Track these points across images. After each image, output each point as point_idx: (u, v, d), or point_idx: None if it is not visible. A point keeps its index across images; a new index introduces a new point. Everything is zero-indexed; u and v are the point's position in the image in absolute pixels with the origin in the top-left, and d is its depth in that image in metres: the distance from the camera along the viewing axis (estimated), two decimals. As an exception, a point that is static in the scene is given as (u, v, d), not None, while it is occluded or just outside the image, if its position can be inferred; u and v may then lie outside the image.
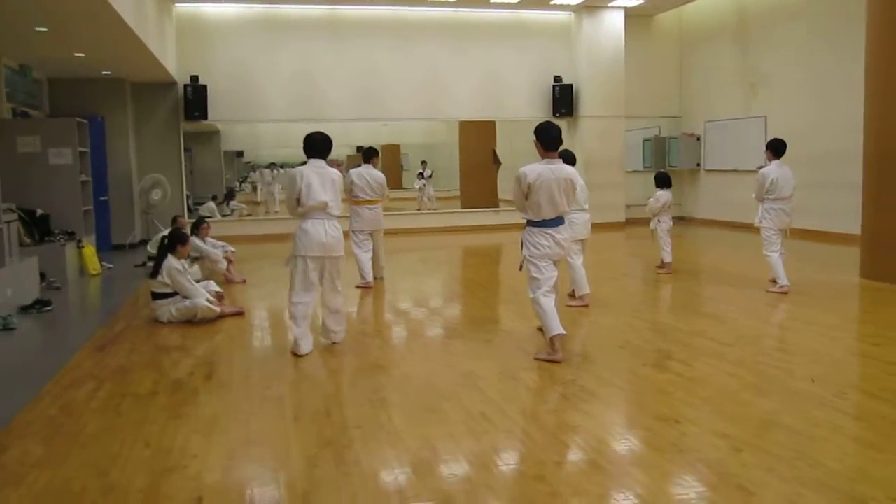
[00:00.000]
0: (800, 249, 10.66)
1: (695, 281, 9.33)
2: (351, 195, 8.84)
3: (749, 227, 14.08)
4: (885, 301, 7.64)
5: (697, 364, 5.36)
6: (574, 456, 3.78)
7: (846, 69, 11.83)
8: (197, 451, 3.93)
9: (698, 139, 16.26)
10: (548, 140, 5.61)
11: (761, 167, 8.39)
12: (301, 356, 5.75)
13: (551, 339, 5.53)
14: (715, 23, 15.57)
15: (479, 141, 18.17)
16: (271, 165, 21.58)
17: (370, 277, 9.01)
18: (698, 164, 16.28)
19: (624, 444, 3.94)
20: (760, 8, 14.22)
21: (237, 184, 22.65)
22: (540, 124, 5.71)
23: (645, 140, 17.25)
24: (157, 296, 7.11)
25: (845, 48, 11.91)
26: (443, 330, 6.83)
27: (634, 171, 17.00)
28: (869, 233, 8.82)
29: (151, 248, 10.18)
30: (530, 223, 5.61)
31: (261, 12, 14.46)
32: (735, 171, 15.13)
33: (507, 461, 3.76)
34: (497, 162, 18.30)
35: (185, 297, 7.06)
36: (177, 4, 13.87)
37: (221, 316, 7.20)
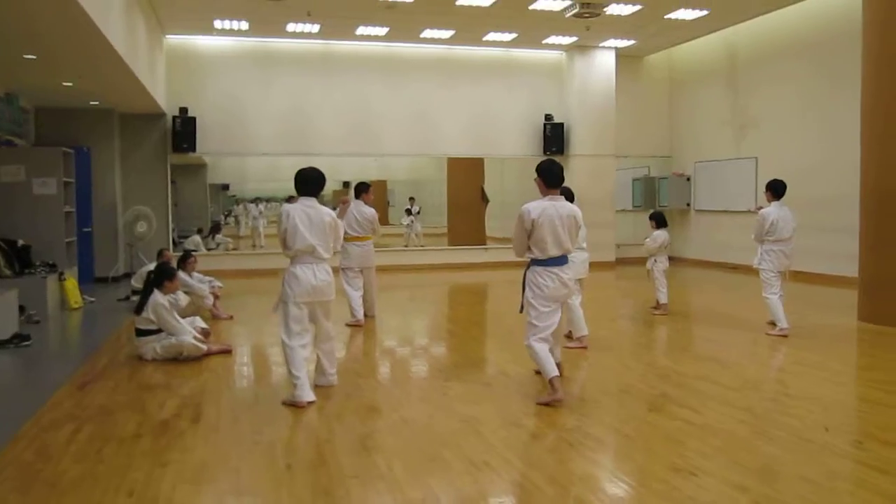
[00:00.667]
0: (795, 292, 10.56)
1: (691, 322, 9.17)
2: None
3: (740, 268, 14.11)
4: (885, 345, 7.50)
5: (705, 410, 5.17)
6: (588, 511, 3.57)
7: (839, 112, 11.86)
8: (184, 501, 3.68)
9: (688, 179, 16.25)
10: (550, 177, 5.49)
11: (760, 208, 8.30)
12: (302, 407, 5.34)
13: (550, 380, 5.33)
14: (705, 64, 15.65)
15: (467, 178, 18.10)
16: (256, 200, 21.37)
17: (360, 315, 8.80)
18: (688, 204, 16.26)
19: (641, 497, 3.72)
20: (751, 50, 14.31)
21: (222, 217, 22.39)
22: (542, 162, 5.60)
23: (635, 179, 17.23)
24: (141, 332, 6.85)
25: (838, 90, 11.97)
26: (438, 371, 6.60)
27: (623, 211, 16.96)
28: (866, 276, 8.74)
29: (136, 282, 9.90)
30: (535, 262, 5.44)
31: (252, 45, 14.38)
32: (725, 211, 15.10)
33: (518, 516, 3.53)
34: (485, 199, 18.22)
35: (171, 335, 6.80)
36: (168, 36, 13.76)
37: (208, 354, 6.95)
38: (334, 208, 6.00)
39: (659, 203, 16.39)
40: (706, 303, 10.82)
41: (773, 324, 8.03)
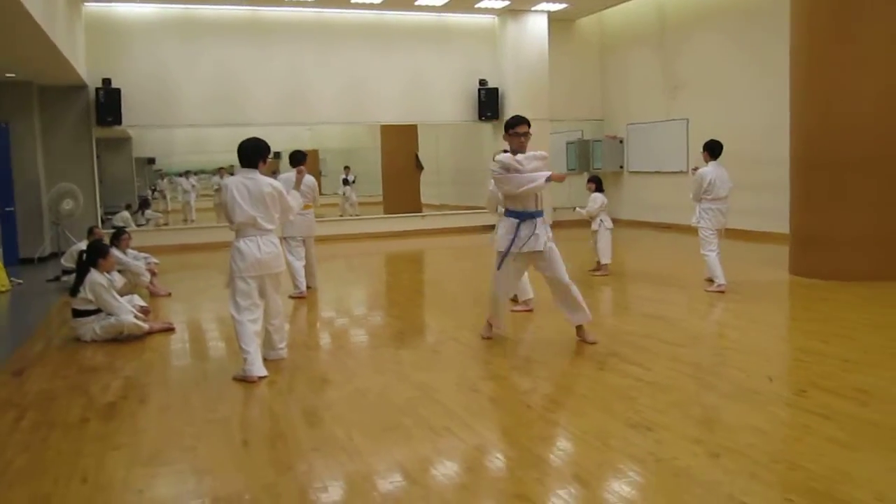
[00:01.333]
0: (730, 249, 10.84)
1: (631, 282, 9.35)
2: None
3: (673, 227, 14.44)
4: (817, 297, 7.78)
5: (654, 367, 5.28)
6: (553, 471, 3.61)
7: (767, 73, 12.15)
8: (142, 485, 3.58)
9: (621, 142, 16.47)
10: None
11: (696, 168, 8.46)
12: (253, 382, 5.25)
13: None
14: (636, 27, 15.80)
15: (400, 145, 17.98)
16: (186, 173, 20.78)
17: (304, 287, 8.68)
18: (621, 167, 16.50)
19: (602, 454, 3.78)
20: (680, 12, 14.51)
21: (149, 192, 21.73)
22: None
23: (569, 143, 17.37)
24: (78, 313, 6.60)
25: (767, 51, 12.24)
26: (388, 340, 6.57)
27: (559, 174, 17.07)
28: (797, 231, 9.03)
29: (66, 262, 9.52)
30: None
31: (178, 13, 13.86)
32: (658, 172, 15.38)
33: (485, 481, 3.55)
34: (420, 167, 18.13)
35: (110, 314, 6.57)
36: (86, 3, 13.13)
37: (150, 332, 6.75)
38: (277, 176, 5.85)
39: (593, 166, 16.58)
40: (643, 262, 11.04)
41: (710, 280, 8.24)
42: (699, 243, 8.30)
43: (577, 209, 9.77)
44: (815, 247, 8.67)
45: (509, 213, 5.84)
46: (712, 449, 3.76)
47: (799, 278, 8.68)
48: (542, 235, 5.76)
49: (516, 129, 5.79)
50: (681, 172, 14.70)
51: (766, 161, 11.87)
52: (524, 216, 5.76)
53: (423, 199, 18.10)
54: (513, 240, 5.74)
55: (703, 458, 3.66)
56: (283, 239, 8.51)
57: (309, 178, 8.70)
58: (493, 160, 5.94)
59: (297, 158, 8.91)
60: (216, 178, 18.57)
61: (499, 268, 5.90)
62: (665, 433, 4.00)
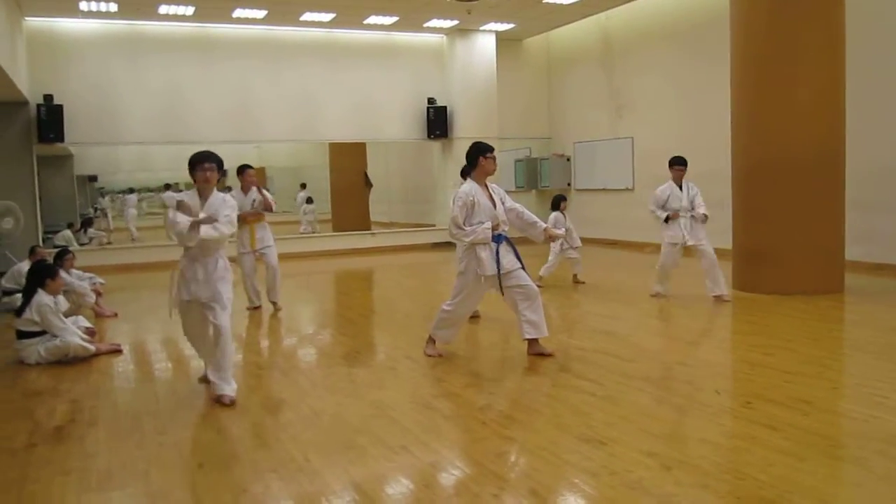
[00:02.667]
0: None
1: (580, 298, 9.48)
2: None
3: (618, 244, 14.71)
4: (759, 311, 8.01)
5: (606, 382, 5.37)
6: (509, 486, 3.64)
7: (708, 93, 12.50)
8: (94, 510, 3.51)
9: (568, 160, 16.74)
10: None
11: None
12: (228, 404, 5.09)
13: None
14: (582, 47, 16.12)
15: (349, 163, 18.00)
16: (129, 190, 20.38)
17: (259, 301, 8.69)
18: (569, 184, 16.74)
19: (557, 469, 3.84)
20: (624, 34, 14.85)
21: (91, 210, 21.25)
22: None
23: (517, 161, 17.57)
24: (22, 334, 6.43)
25: (707, 73, 12.60)
26: (342, 359, 6.55)
27: (507, 192, 17.22)
28: (739, 246, 9.28)
29: (7, 282, 9.27)
30: None
31: (122, 29, 13.66)
32: (604, 189, 15.66)
33: (442, 498, 3.57)
34: (369, 184, 18.15)
35: (55, 336, 6.42)
36: (27, 18, 12.85)
37: (96, 354, 6.60)
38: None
39: (541, 184, 16.81)
40: (590, 278, 11.19)
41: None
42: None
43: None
44: (757, 262, 8.94)
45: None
46: (665, 461, 3.84)
47: (741, 293, 8.92)
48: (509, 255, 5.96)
49: (493, 154, 5.97)
50: (626, 190, 15.00)
51: (710, 178, 12.15)
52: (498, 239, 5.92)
53: (373, 217, 18.11)
54: (498, 262, 5.85)
55: (655, 470, 3.74)
56: (238, 254, 8.56)
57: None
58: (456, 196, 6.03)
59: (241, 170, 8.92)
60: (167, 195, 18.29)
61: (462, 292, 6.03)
62: (618, 447, 4.08)
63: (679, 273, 8.96)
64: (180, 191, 17.41)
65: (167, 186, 18.11)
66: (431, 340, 6.32)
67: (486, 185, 6.04)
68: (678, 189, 8.61)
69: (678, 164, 8.68)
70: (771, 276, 8.77)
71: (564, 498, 3.51)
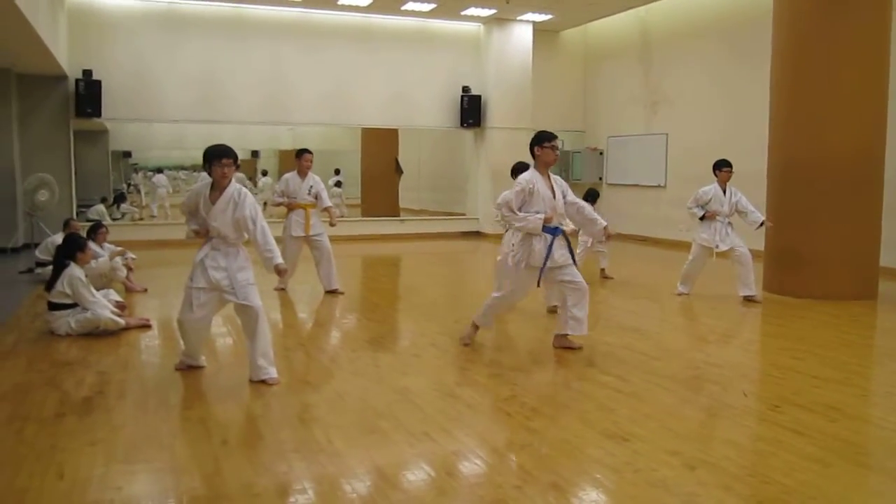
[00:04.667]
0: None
1: (608, 294, 9.42)
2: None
3: (649, 240, 14.58)
4: (789, 314, 7.90)
5: (632, 378, 5.34)
6: (532, 478, 3.63)
7: (745, 91, 12.33)
8: (120, 482, 3.55)
9: (601, 154, 16.61)
10: None
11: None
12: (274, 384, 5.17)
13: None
14: (619, 41, 15.96)
15: (381, 149, 17.98)
16: (158, 170, 20.56)
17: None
18: (600, 178, 16.62)
19: (579, 464, 3.82)
20: (663, 28, 14.67)
21: (125, 186, 21.50)
22: None
23: (549, 153, 17.44)
24: (54, 306, 6.52)
25: (745, 70, 12.42)
26: (367, 343, 6.57)
27: (538, 184, 17.17)
28: (771, 248, 9.16)
29: (41, 254, 9.42)
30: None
31: (162, 7, 13.76)
32: (636, 185, 15.53)
33: (463, 486, 3.57)
34: (399, 171, 18.14)
35: (86, 309, 6.50)
36: (68, -7, 13.02)
37: (126, 328, 6.68)
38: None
39: (572, 177, 16.70)
40: (618, 274, 11.11)
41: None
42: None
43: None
44: (788, 265, 8.81)
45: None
46: (688, 461, 3.81)
47: (773, 295, 8.80)
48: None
49: (553, 143, 5.87)
50: (658, 186, 14.86)
51: (744, 179, 12.01)
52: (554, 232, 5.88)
53: (402, 204, 18.12)
54: (548, 255, 5.81)
55: (679, 469, 3.71)
56: None
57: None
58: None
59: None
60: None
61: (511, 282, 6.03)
62: (642, 444, 4.05)
63: (708, 273, 8.86)
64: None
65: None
66: (474, 327, 6.30)
67: (549, 176, 5.95)
68: (722, 193, 8.49)
69: (724, 166, 8.54)
70: (802, 280, 8.65)
71: (586, 493, 3.50)
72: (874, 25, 8.46)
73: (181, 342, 5.56)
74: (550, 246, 5.80)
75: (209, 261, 5.16)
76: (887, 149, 8.74)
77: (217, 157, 5.06)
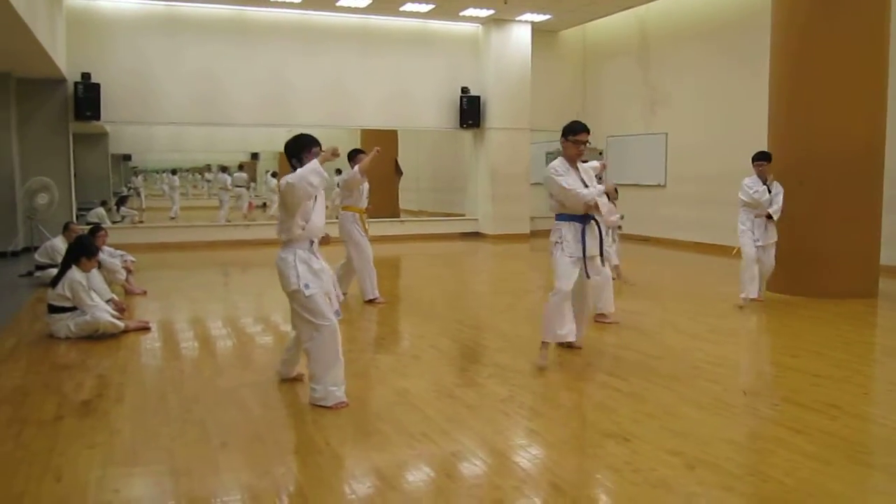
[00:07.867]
0: (706, 263, 10.97)
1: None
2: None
3: (650, 240, 14.56)
4: (789, 313, 7.89)
5: (632, 379, 5.32)
6: (532, 479, 3.62)
7: (743, 91, 12.32)
8: (117, 484, 3.55)
9: (601, 153, 16.58)
10: None
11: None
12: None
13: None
14: (618, 41, 15.95)
15: (381, 150, 17.93)
16: (173, 172, 20.58)
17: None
18: (600, 178, 16.56)
19: (579, 464, 3.81)
20: (662, 28, 14.67)
21: (125, 189, 21.53)
22: None
23: (548, 153, 17.44)
24: (54, 309, 6.52)
25: (743, 70, 12.42)
26: (367, 345, 6.57)
27: (538, 184, 17.18)
28: (771, 247, 9.13)
29: (41, 257, 9.42)
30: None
31: (160, 9, 13.77)
32: (636, 185, 15.51)
33: (463, 487, 3.56)
34: (399, 172, 18.14)
35: (86, 312, 6.50)
36: (67, -3, 13.02)
37: (125, 331, 6.68)
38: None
39: (572, 177, 16.66)
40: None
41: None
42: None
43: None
44: (788, 264, 8.78)
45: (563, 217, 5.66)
46: (688, 461, 3.80)
47: (773, 294, 8.78)
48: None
49: (577, 137, 5.69)
50: (658, 186, 14.85)
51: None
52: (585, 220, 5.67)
53: (402, 205, 18.12)
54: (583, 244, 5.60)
55: (679, 469, 3.70)
56: None
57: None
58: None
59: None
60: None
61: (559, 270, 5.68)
62: (642, 444, 4.04)
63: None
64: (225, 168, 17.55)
65: (224, 169, 18.12)
66: (544, 346, 5.74)
67: (577, 168, 5.76)
68: (761, 184, 8.34)
69: (762, 158, 8.30)
70: (802, 278, 8.63)
71: (585, 493, 3.49)
72: (873, 25, 8.46)
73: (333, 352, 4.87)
74: (583, 234, 5.61)
75: (315, 264, 4.88)
76: (887, 147, 8.73)
77: (309, 145, 4.72)
